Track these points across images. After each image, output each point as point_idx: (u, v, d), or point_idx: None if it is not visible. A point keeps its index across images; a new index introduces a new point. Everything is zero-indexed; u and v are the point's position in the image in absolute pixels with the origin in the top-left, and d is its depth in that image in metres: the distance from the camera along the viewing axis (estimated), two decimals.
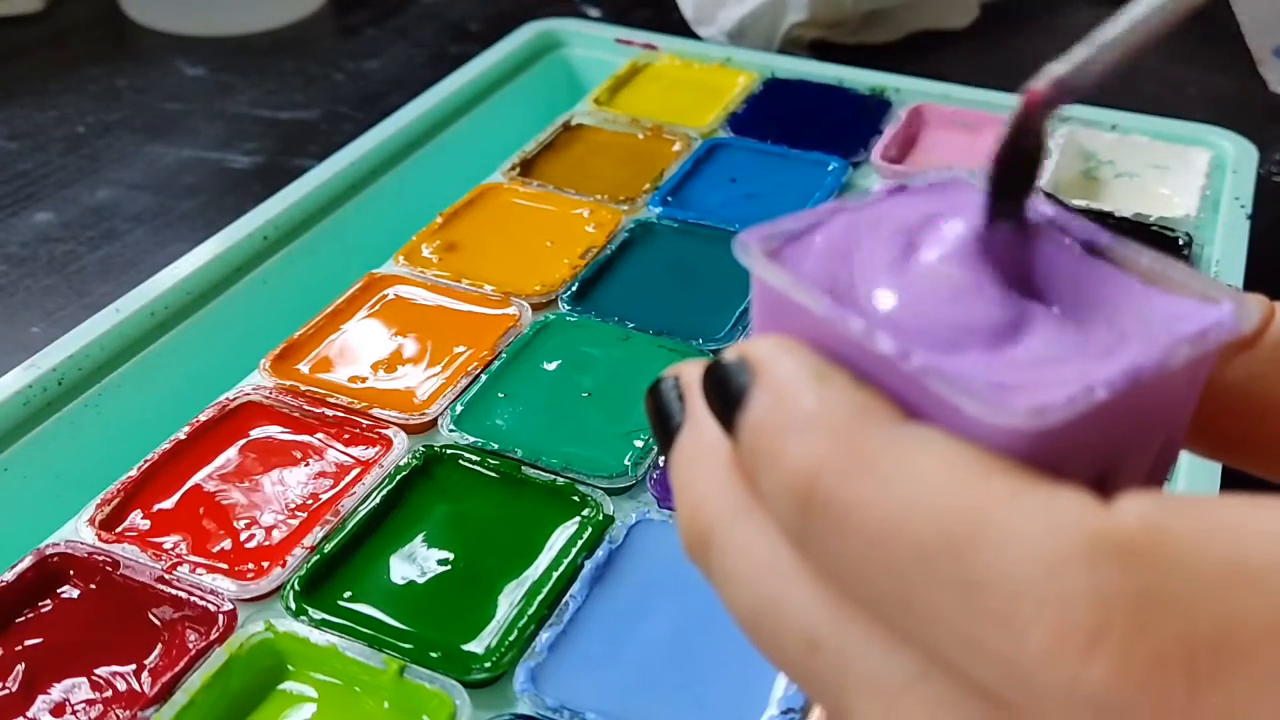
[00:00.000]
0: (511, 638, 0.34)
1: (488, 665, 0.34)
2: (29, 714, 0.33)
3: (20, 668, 0.34)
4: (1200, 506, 0.14)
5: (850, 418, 0.16)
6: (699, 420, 0.18)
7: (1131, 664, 0.14)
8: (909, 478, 0.15)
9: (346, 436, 0.42)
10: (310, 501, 0.39)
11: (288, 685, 0.34)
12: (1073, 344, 0.17)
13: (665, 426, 0.19)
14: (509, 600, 0.36)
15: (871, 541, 0.15)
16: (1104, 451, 0.17)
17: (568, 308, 0.47)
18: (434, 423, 0.42)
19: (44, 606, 0.36)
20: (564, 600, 0.35)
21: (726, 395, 0.17)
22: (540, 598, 0.35)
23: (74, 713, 0.33)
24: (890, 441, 0.16)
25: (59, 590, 0.37)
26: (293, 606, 0.35)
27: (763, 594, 0.17)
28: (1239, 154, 0.56)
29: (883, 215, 0.19)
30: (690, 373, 0.19)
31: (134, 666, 0.34)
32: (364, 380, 0.44)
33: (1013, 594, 0.14)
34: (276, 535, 0.38)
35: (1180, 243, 0.51)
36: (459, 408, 0.42)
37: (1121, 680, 0.14)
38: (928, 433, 0.16)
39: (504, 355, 0.45)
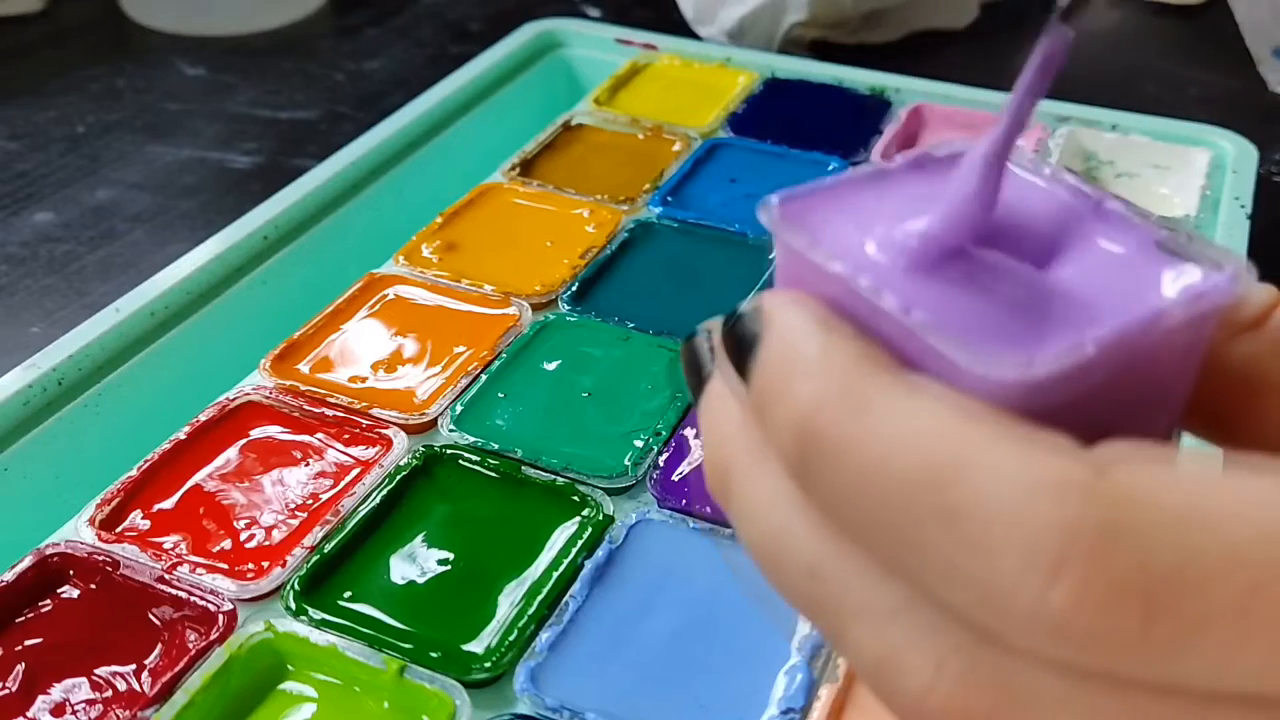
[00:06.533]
0: (511, 638, 0.34)
1: (488, 665, 0.34)
2: (29, 714, 0.33)
3: (20, 668, 0.34)
4: (1172, 455, 0.15)
5: (850, 364, 0.17)
6: (725, 369, 0.20)
7: (1090, 591, 0.15)
8: (900, 419, 0.16)
9: (346, 436, 0.42)
10: (310, 501, 0.39)
11: (288, 685, 0.34)
12: (1076, 306, 0.18)
13: (697, 375, 0.21)
14: (509, 600, 0.36)
15: (863, 476, 0.16)
16: (1098, 413, 0.17)
17: (568, 308, 0.47)
18: (434, 423, 0.42)
19: (44, 606, 0.36)
20: (564, 600, 0.35)
21: (741, 342, 0.19)
22: (540, 598, 0.35)
23: (74, 713, 0.33)
24: (885, 386, 0.17)
25: (59, 590, 0.37)
26: (293, 606, 0.35)
27: (770, 527, 0.18)
28: (1239, 154, 0.56)
29: (903, 183, 0.20)
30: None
31: (134, 666, 0.34)
32: (364, 380, 0.44)
33: (987, 523, 0.15)
34: (276, 535, 0.38)
35: None
36: (459, 408, 0.42)
37: (1080, 606, 0.15)
38: (921, 380, 0.17)
39: (504, 355, 0.45)
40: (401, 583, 0.37)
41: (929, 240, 0.18)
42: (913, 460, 0.16)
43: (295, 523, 0.38)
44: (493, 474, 0.40)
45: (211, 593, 0.36)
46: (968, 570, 0.15)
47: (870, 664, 0.17)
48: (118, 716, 0.33)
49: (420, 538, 0.38)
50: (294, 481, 0.40)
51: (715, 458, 0.19)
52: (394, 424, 0.41)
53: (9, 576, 0.36)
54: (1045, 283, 0.18)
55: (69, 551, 0.37)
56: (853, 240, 0.19)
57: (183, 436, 0.41)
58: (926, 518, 0.16)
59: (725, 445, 0.19)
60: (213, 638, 0.34)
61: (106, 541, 0.37)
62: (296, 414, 0.42)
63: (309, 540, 0.37)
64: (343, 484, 0.40)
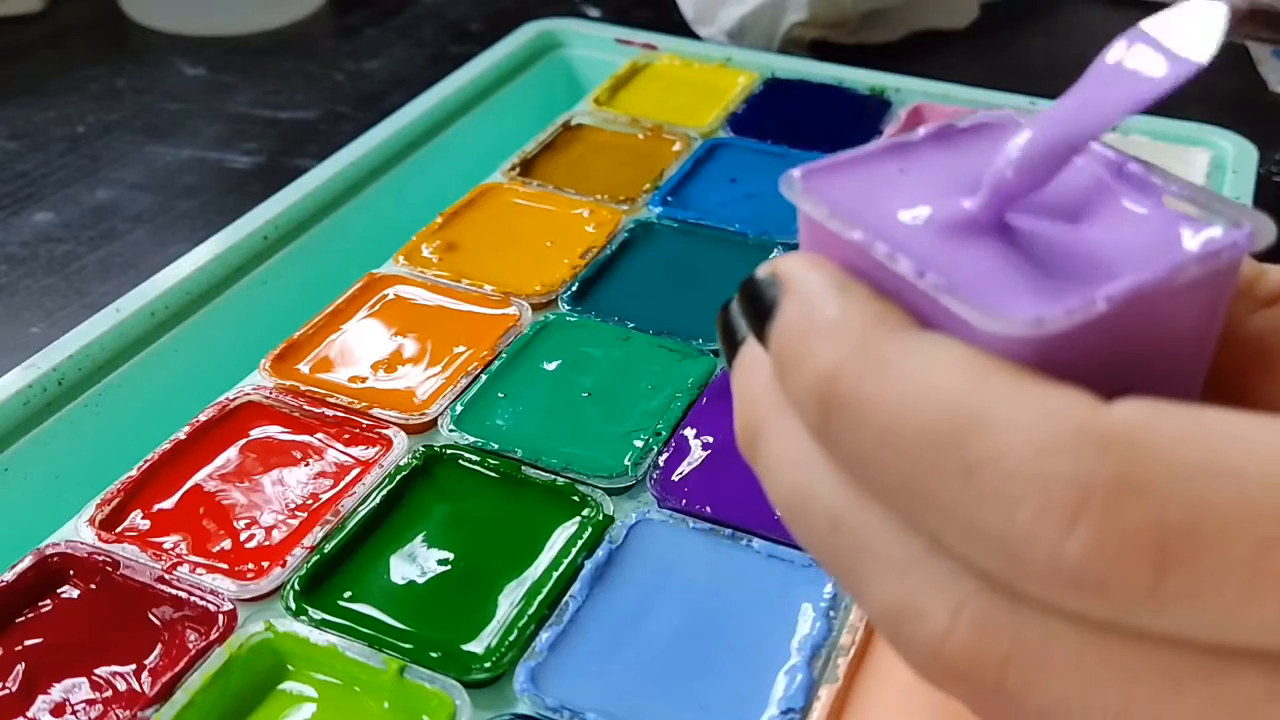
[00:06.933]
0: (511, 638, 0.34)
1: (488, 665, 0.34)
2: (29, 714, 0.33)
3: (20, 668, 0.34)
4: (1189, 411, 0.15)
5: (868, 325, 0.18)
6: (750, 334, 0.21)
7: (1105, 542, 0.15)
8: (918, 376, 0.17)
9: (346, 436, 0.42)
10: (310, 501, 0.39)
11: (288, 685, 0.34)
12: (1095, 265, 0.18)
13: (731, 341, 0.21)
14: (509, 600, 0.36)
15: (883, 434, 0.17)
16: (1117, 370, 0.17)
17: (568, 308, 0.47)
18: (434, 423, 0.42)
19: (44, 606, 0.36)
20: (564, 600, 0.35)
21: (758, 307, 0.19)
22: (540, 598, 0.35)
23: (74, 713, 0.33)
24: (903, 345, 0.17)
25: (59, 590, 0.37)
26: (293, 606, 0.35)
27: (795, 482, 0.19)
28: (1239, 154, 0.56)
29: (925, 154, 0.20)
30: None
31: (134, 666, 0.34)
32: (364, 380, 0.44)
33: (1005, 476, 0.15)
34: (276, 535, 0.38)
35: None
36: (459, 408, 0.42)
37: (1096, 556, 0.15)
38: (938, 338, 0.17)
39: (504, 355, 0.45)
40: (401, 583, 0.37)
41: (975, 211, 0.18)
42: (931, 417, 0.16)
43: (295, 523, 0.38)
44: (493, 474, 0.40)
45: (211, 593, 0.36)
46: (986, 522, 0.16)
47: (889, 613, 0.18)
48: (118, 716, 0.33)
49: (420, 538, 0.38)
50: (294, 481, 0.40)
51: (745, 418, 0.20)
52: (394, 424, 0.41)
53: (9, 576, 0.36)
54: (1065, 243, 0.18)
55: (69, 551, 0.37)
56: (872, 209, 0.19)
57: (183, 436, 0.41)
58: (945, 473, 0.16)
59: (753, 407, 0.20)
60: (213, 638, 0.34)
61: (106, 541, 0.37)
62: (296, 414, 0.42)
63: (309, 540, 0.37)
64: (343, 484, 0.40)
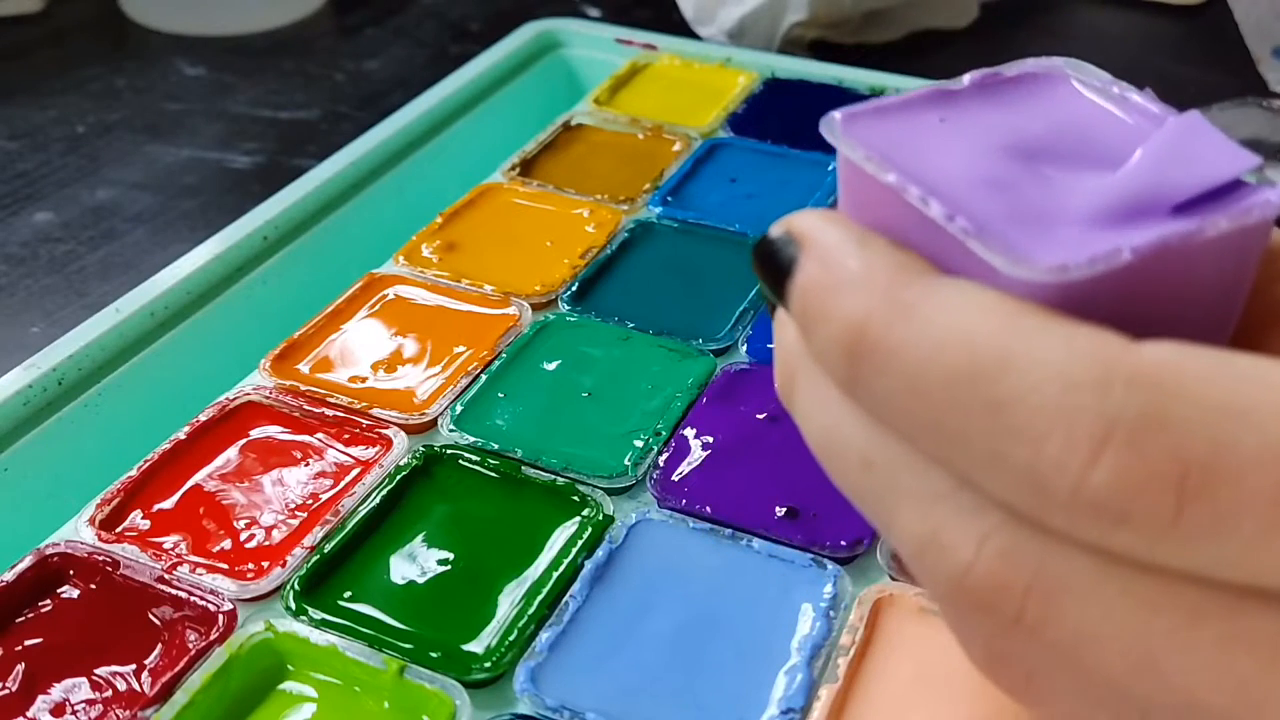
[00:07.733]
0: (511, 638, 0.34)
1: (488, 665, 0.34)
2: (29, 714, 0.33)
3: (20, 668, 0.34)
4: (1216, 354, 0.16)
5: (891, 274, 0.18)
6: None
7: (1128, 474, 0.15)
8: (945, 319, 0.17)
9: (346, 436, 0.42)
10: (310, 501, 0.39)
11: (288, 685, 0.34)
12: (1129, 220, 0.18)
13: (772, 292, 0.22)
14: (509, 600, 0.36)
15: (911, 379, 0.17)
16: (1145, 321, 0.17)
17: (568, 308, 0.47)
18: (434, 423, 0.42)
19: (44, 606, 0.36)
20: (564, 600, 0.35)
21: (778, 267, 0.20)
22: (540, 598, 0.35)
23: (74, 713, 0.33)
24: (927, 290, 0.17)
25: (59, 590, 0.37)
26: (293, 606, 0.35)
27: (827, 423, 0.20)
28: None
29: (967, 103, 0.20)
30: None
31: (134, 666, 0.34)
32: (364, 380, 0.44)
33: (1031, 410, 0.16)
34: (276, 535, 0.38)
35: None
36: (459, 408, 0.42)
37: (1119, 487, 0.15)
38: (962, 283, 0.17)
39: (504, 355, 0.45)
40: (401, 583, 0.37)
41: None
42: (959, 356, 0.17)
43: (295, 523, 0.38)
44: (493, 474, 0.40)
45: (211, 593, 0.36)
46: (1012, 457, 0.16)
47: (916, 546, 0.18)
48: (118, 716, 0.33)
49: (420, 538, 0.38)
50: (294, 481, 0.40)
51: (782, 365, 0.21)
52: (394, 424, 0.41)
53: (9, 576, 0.36)
54: (1096, 196, 0.18)
55: (69, 551, 0.37)
56: (910, 155, 0.19)
57: (183, 436, 0.41)
58: (974, 410, 0.16)
59: (790, 355, 0.21)
60: (213, 638, 0.34)
61: (106, 541, 0.37)
62: (296, 414, 0.42)
63: (309, 540, 0.37)
64: (343, 484, 0.40)
